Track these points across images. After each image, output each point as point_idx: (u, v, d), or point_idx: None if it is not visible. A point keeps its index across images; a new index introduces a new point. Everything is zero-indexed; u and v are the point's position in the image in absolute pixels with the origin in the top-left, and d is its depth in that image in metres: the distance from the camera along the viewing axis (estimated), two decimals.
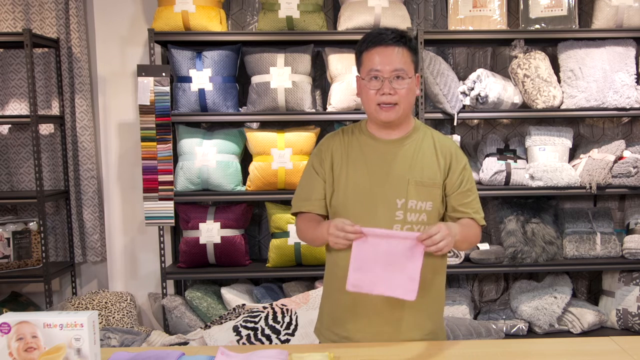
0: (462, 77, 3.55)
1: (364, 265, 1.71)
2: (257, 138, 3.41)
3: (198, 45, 3.48)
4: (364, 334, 1.91)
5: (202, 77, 3.36)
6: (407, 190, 1.85)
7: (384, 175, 1.84)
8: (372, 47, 1.84)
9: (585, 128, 3.78)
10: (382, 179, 1.87)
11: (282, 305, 3.01)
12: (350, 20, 3.37)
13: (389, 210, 1.85)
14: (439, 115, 3.43)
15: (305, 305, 3.00)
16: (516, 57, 3.48)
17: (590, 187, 3.33)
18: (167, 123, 3.34)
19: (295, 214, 2.01)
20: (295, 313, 2.94)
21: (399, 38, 1.84)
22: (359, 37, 3.34)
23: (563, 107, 3.44)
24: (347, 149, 1.93)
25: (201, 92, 3.37)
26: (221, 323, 3.04)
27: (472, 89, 3.40)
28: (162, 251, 3.46)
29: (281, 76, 3.35)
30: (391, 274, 1.71)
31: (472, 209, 1.92)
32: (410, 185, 1.84)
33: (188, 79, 3.38)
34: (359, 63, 1.90)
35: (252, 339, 2.85)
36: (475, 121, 3.76)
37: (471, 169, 2.05)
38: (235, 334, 2.88)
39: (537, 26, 3.44)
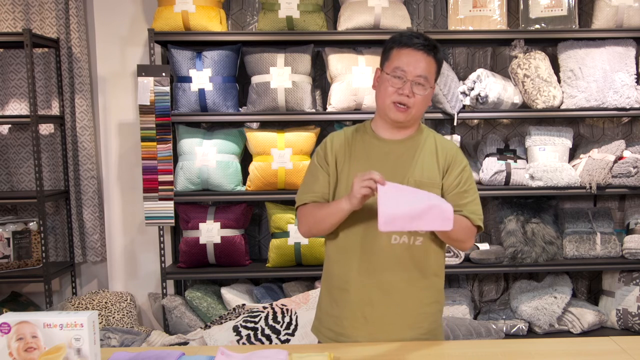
0: (462, 77, 3.55)
1: (393, 205, 1.69)
2: (257, 138, 3.41)
3: (198, 45, 3.48)
4: (360, 332, 1.91)
5: (202, 77, 3.36)
6: None
7: (385, 173, 1.86)
8: (404, 47, 1.88)
9: (585, 128, 3.78)
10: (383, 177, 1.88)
11: (282, 305, 3.01)
12: (350, 20, 3.37)
13: None
14: (439, 115, 3.43)
15: (305, 305, 3.00)
16: (516, 57, 3.47)
17: (590, 187, 3.33)
18: (167, 123, 3.34)
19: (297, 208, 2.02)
20: (295, 313, 2.95)
21: (431, 47, 1.89)
22: (359, 37, 3.40)
23: (563, 107, 3.44)
24: (351, 147, 1.96)
25: (201, 92, 3.37)
26: (221, 323, 3.04)
27: (472, 89, 3.40)
28: (162, 251, 3.46)
29: (281, 76, 3.35)
30: (422, 211, 1.69)
31: (468, 210, 1.91)
32: (410, 184, 1.86)
33: (188, 79, 3.38)
34: (385, 57, 1.93)
35: (252, 339, 2.85)
36: (475, 121, 3.76)
37: (472, 172, 2.05)
38: (235, 334, 2.88)
39: (537, 26, 3.44)
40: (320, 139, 3.37)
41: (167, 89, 3.32)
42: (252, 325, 2.90)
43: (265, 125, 3.59)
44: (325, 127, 3.61)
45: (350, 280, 1.91)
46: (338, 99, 3.37)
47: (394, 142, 1.94)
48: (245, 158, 3.54)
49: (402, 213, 1.68)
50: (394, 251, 1.88)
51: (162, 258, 3.45)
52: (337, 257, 1.96)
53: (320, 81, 3.68)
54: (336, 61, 3.43)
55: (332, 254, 1.98)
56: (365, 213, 1.86)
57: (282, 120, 3.45)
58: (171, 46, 3.41)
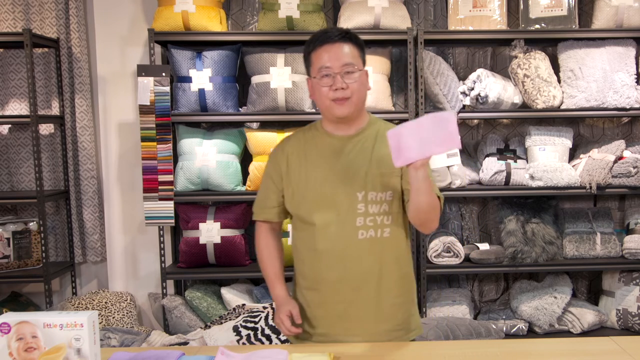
0: (462, 77, 3.55)
1: (404, 142, 1.69)
2: (257, 138, 3.41)
3: (198, 45, 3.48)
4: (336, 330, 1.92)
5: (202, 77, 3.36)
6: (365, 183, 1.88)
7: (343, 170, 1.87)
8: (320, 45, 1.89)
9: (585, 128, 3.78)
10: (341, 174, 1.89)
11: None
12: (350, 20, 3.37)
13: (350, 204, 1.88)
14: None
15: None
16: (516, 57, 3.47)
17: (590, 187, 3.33)
18: (167, 123, 3.34)
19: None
20: None
21: (344, 34, 1.90)
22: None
23: (563, 107, 3.44)
24: (305, 149, 1.95)
25: (201, 92, 3.37)
26: (221, 323, 3.04)
27: (472, 89, 3.40)
28: (162, 251, 3.46)
29: (281, 76, 3.35)
30: (430, 136, 1.67)
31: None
32: (369, 177, 1.87)
33: (188, 79, 3.38)
34: (308, 64, 1.94)
35: (252, 339, 2.85)
36: (475, 121, 3.76)
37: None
38: (235, 334, 2.88)
39: (537, 26, 3.44)
40: None
41: (167, 89, 3.32)
42: (252, 325, 2.90)
43: (265, 125, 3.59)
44: None
45: (321, 280, 1.92)
46: None
47: (347, 138, 1.94)
48: (245, 158, 3.54)
49: (415, 148, 1.67)
50: (363, 246, 1.88)
51: (162, 258, 3.45)
52: (305, 258, 1.96)
53: None
54: None
55: (300, 255, 1.99)
56: (331, 213, 1.87)
57: (282, 120, 3.45)
58: (171, 46, 3.41)
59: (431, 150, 1.68)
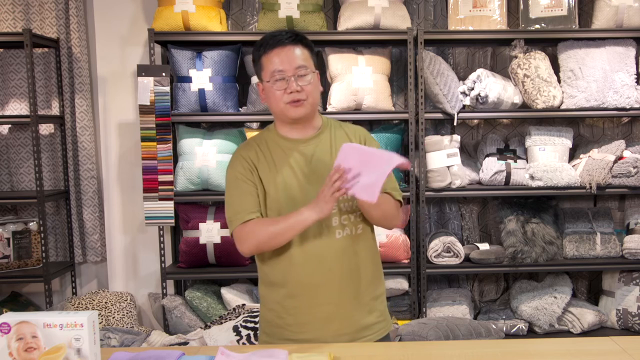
0: (462, 77, 3.55)
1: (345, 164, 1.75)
2: None
3: (198, 45, 3.48)
4: (325, 332, 1.90)
5: (202, 77, 3.36)
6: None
7: (310, 172, 1.87)
8: (270, 49, 1.86)
9: (585, 128, 3.78)
10: (309, 176, 1.89)
11: None
12: (350, 20, 3.37)
13: None
14: (439, 115, 3.43)
15: None
16: (516, 57, 3.47)
17: (590, 187, 3.33)
18: (167, 123, 3.34)
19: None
20: (258, 328, 2.94)
21: (294, 37, 1.87)
22: (359, 37, 3.40)
23: (563, 107, 3.44)
24: (269, 152, 1.92)
25: (201, 92, 3.37)
26: (221, 323, 3.04)
27: (472, 89, 3.40)
28: (162, 251, 3.46)
29: None
30: (365, 171, 1.74)
31: (389, 187, 1.93)
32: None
33: (188, 79, 3.38)
34: (259, 68, 1.91)
35: (252, 339, 2.85)
36: (475, 121, 3.76)
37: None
38: (235, 334, 2.88)
39: (537, 26, 3.44)
40: None
41: (167, 89, 3.32)
42: (252, 325, 2.90)
43: (265, 125, 3.59)
44: None
45: (303, 286, 1.89)
46: (338, 99, 3.37)
47: (306, 141, 1.92)
48: None
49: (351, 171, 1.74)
50: (340, 245, 1.88)
51: (162, 258, 3.45)
52: (282, 267, 1.90)
53: (320, 81, 3.67)
54: (336, 61, 3.42)
55: (273, 266, 1.92)
56: None
57: None
58: (171, 46, 3.41)
59: (358, 184, 1.74)
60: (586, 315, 3.41)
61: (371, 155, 1.76)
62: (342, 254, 1.89)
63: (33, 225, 3.60)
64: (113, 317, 3.40)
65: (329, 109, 3.41)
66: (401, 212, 1.99)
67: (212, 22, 3.37)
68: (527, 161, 3.52)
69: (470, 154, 3.71)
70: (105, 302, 3.45)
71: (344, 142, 1.90)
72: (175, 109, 3.40)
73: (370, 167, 1.73)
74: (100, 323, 3.34)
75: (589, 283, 3.81)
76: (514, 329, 3.39)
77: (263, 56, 1.88)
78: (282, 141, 1.94)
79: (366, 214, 1.90)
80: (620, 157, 3.45)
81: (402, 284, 3.42)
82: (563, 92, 3.44)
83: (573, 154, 3.60)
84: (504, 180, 3.43)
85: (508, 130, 3.79)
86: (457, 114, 3.39)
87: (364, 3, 3.37)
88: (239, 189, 1.90)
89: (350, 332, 1.91)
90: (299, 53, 1.86)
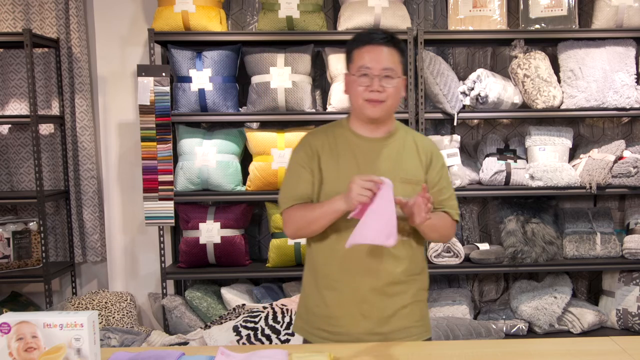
0: (462, 77, 3.55)
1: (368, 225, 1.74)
2: (257, 138, 3.41)
3: (198, 45, 3.48)
4: (359, 328, 1.92)
5: (202, 77, 3.36)
6: (394, 187, 1.86)
7: (372, 172, 1.87)
8: (363, 45, 1.90)
9: (585, 128, 3.78)
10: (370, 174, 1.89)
11: (282, 305, 3.01)
12: (350, 20, 3.37)
13: None
14: (439, 115, 3.43)
15: None
16: (516, 57, 3.47)
17: (590, 187, 3.33)
18: (167, 123, 3.34)
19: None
20: (296, 313, 2.94)
21: (389, 39, 1.90)
22: None
23: (563, 107, 3.44)
24: (336, 144, 1.95)
25: (201, 92, 3.37)
26: (221, 323, 3.04)
27: (472, 89, 3.40)
28: (162, 251, 3.46)
29: (281, 76, 3.35)
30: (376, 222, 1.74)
31: (448, 205, 1.99)
32: (397, 182, 1.86)
33: (188, 79, 3.38)
34: (349, 60, 1.95)
35: (252, 339, 2.85)
36: (475, 121, 3.76)
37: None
38: (235, 334, 2.88)
39: (537, 26, 3.44)
40: None
41: (167, 89, 3.32)
42: (252, 325, 2.90)
43: (265, 125, 3.59)
44: None
45: (342, 280, 1.91)
46: (338, 99, 3.37)
47: (376, 140, 1.95)
48: (245, 158, 3.54)
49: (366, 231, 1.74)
50: (387, 249, 1.88)
51: (162, 258, 3.45)
52: (324, 258, 1.95)
53: (320, 81, 3.68)
54: (336, 61, 3.42)
55: (318, 255, 1.97)
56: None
57: (282, 120, 3.45)
58: (171, 46, 3.41)
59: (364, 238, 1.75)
60: (586, 315, 3.41)
61: (388, 202, 1.74)
62: (383, 255, 1.89)
63: (33, 225, 3.61)
64: (113, 317, 3.40)
65: (329, 109, 3.41)
66: (455, 228, 2.03)
67: (212, 22, 3.37)
68: (527, 161, 3.52)
69: (470, 154, 3.71)
70: (105, 302, 3.45)
71: (412, 151, 1.95)
72: (175, 109, 3.40)
73: (381, 210, 1.74)
74: (100, 323, 3.34)
75: (589, 283, 3.81)
76: (514, 329, 3.39)
77: (355, 50, 1.91)
78: (351, 136, 1.96)
79: (424, 235, 1.95)
80: (620, 157, 3.45)
81: None
82: (563, 92, 3.44)
83: (573, 154, 3.60)
84: (504, 180, 3.43)
85: (508, 130, 3.79)
86: (457, 114, 3.39)
87: (364, 3, 3.37)
88: (296, 174, 1.96)
89: (384, 332, 1.92)
90: (389, 55, 1.89)
